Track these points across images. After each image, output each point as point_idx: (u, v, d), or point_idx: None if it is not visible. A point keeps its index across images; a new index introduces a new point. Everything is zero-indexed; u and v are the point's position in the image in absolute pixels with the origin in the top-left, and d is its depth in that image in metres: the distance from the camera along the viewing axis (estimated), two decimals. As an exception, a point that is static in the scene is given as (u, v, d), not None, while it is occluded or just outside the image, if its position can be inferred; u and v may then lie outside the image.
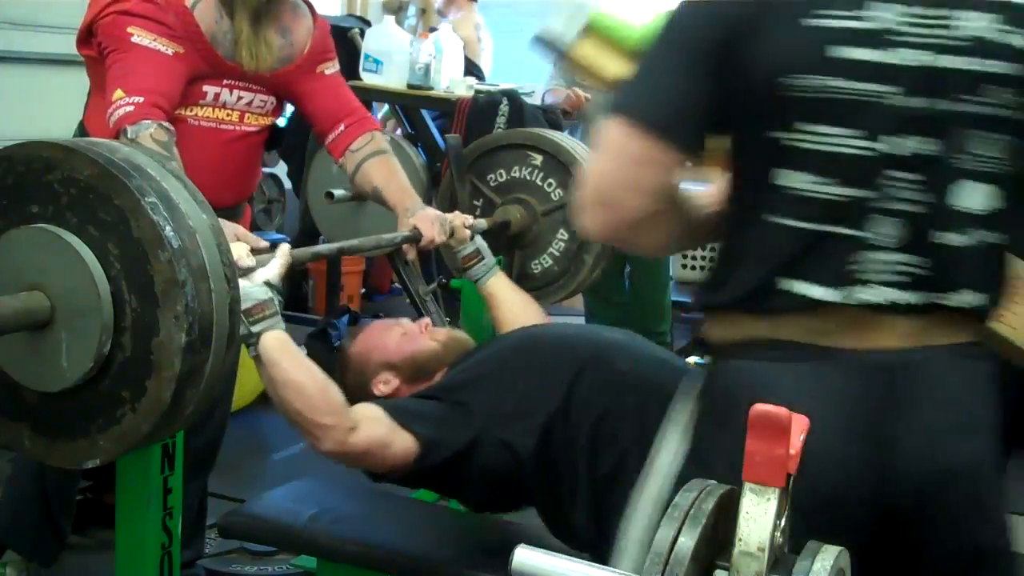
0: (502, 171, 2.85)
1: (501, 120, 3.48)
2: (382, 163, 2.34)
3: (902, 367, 1.15)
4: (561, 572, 0.93)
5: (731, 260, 1.25)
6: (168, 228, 1.19)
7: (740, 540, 0.87)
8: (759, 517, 0.87)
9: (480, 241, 2.32)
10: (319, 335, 2.14)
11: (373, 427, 1.66)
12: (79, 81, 4.67)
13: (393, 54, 3.60)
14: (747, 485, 0.88)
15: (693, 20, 1.15)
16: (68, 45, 4.41)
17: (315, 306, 4.73)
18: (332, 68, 2.35)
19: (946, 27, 1.10)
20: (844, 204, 1.13)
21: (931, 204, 1.13)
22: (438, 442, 1.69)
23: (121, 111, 1.97)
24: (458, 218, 2.31)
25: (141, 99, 1.98)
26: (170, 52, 2.05)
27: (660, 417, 1.32)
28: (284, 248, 1.79)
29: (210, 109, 2.16)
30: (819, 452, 0.94)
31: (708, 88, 1.14)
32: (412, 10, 6.00)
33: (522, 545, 0.95)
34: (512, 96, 3.55)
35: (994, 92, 1.11)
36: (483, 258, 2.28)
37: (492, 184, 2.87)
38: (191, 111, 2.14)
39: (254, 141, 2.27)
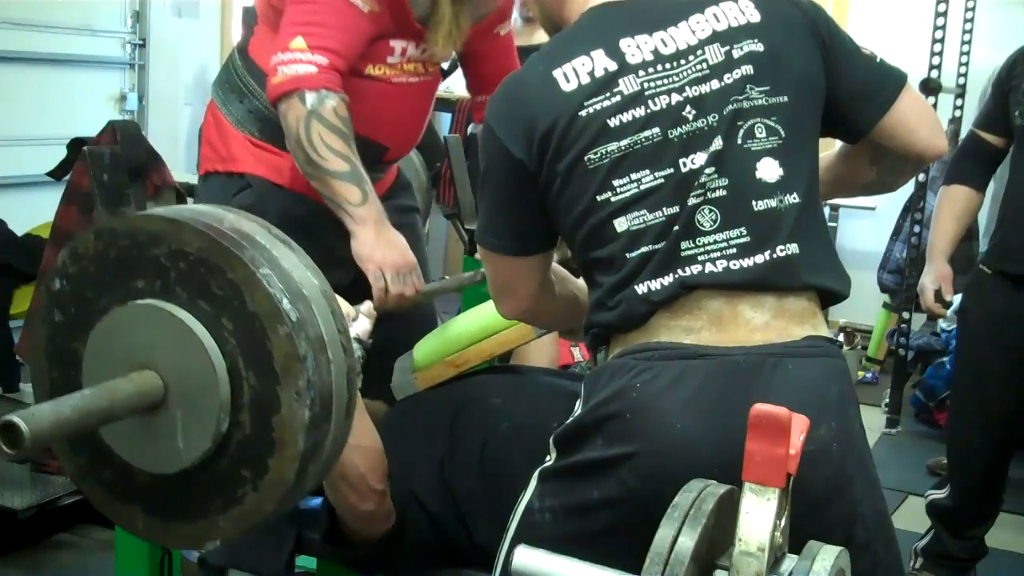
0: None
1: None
2: None
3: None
4: (561, 572, 0.93)
5: None
6: (285, 300, 1.11)
7: (740, 540, 0.87)
8: (759, 517, 0.87)
9: None
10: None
11: (388, 498, 1.71)
12: (79, 81, 4.69)
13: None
14: (747, 485, 0.88)
15: (500, 160, 1.39)
16: (68, 45, 4.42)
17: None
18: (507, 27, 2.20)
19: (679, 70, 1.35)
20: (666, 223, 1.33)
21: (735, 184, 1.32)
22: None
23: (301, 68, 1.81)
24: None
25: (325, 61, 1.82)
26: (366, 10, 1.88)
27: (543, 434, 1.43)
28: (369, 306, 1.76)
29: (398, 67, 2.01)
30: None
31: (531, 206, 1.41)
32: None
33: (522, 545, 0.96)
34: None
35: (754, 89, 1.35)
36: None
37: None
38: (379, 69, 1.98)
39: (434, 86, 2.13)
